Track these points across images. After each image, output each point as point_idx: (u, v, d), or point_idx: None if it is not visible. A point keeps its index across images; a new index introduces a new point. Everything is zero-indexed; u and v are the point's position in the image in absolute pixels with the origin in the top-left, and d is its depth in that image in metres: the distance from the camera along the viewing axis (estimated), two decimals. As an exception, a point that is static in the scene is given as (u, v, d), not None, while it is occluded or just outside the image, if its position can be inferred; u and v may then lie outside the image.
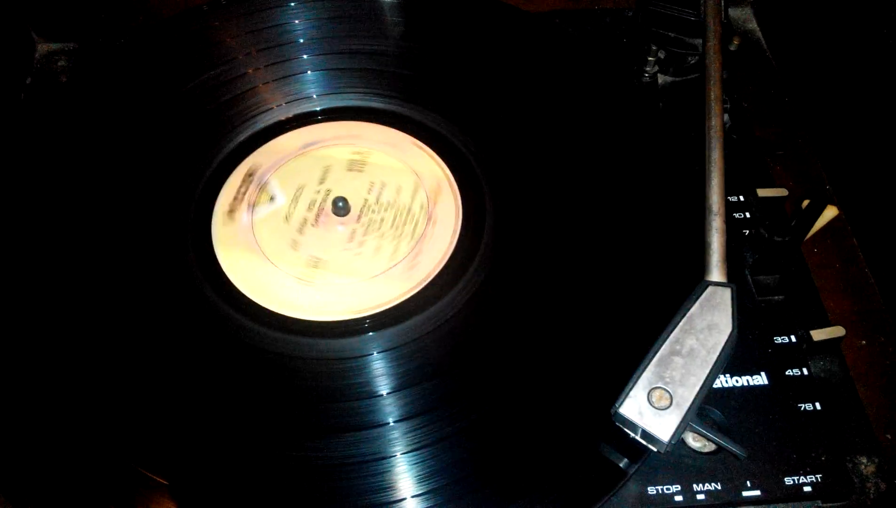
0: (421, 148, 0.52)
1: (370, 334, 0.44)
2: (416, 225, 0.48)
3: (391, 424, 0.40)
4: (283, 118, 0.54)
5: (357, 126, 0.54)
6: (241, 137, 0.53)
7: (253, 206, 0.50)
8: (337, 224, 0.49)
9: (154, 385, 0.42)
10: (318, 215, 0.50)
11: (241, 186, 0.51)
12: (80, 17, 0.65)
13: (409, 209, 0.49)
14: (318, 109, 0.55)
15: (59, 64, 0.64)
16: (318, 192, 0.51)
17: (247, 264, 0.47)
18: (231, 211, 0.50)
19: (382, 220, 0.49)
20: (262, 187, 0.51)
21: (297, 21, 0.58)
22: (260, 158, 0.52)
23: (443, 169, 0.51)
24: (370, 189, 0.51)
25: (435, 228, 0.48)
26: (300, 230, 0.49)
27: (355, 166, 0.52)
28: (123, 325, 0.45)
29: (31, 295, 0.46)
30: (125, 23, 0.66)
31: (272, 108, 0.54)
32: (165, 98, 0.55)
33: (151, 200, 0.50)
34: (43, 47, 0.65)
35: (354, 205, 0.50)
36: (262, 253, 0.48)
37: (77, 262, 0.47)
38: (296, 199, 0.50)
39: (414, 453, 0.39)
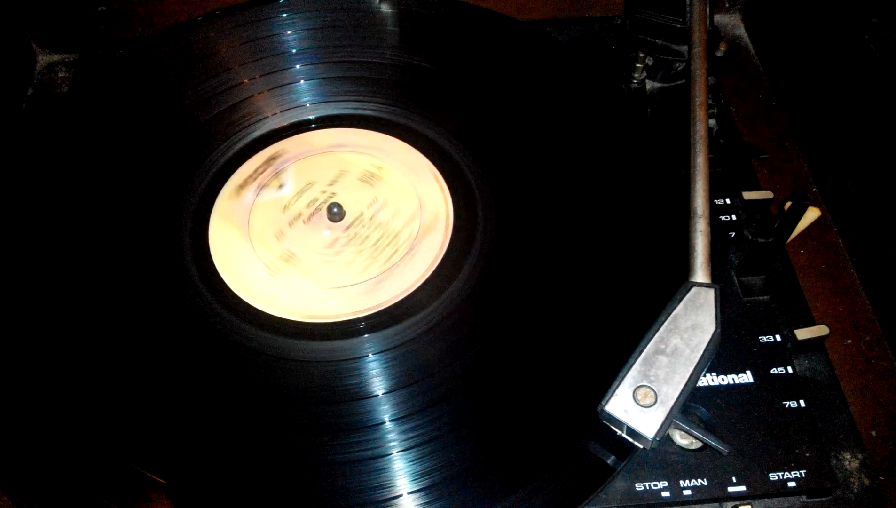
0: (435, 177, 0.52)
1: (365, 335, 0.45)
2: (395, 252, 0.49)
3: (386, 423, 0.41)
4: (281, 126, 0.55)
5: (383, 139, 0.54)
6: (242, 143, 0.54)
7: (262, 188, 0.51)
8: (324, 228, 0.50)
9: (152, 384, 0.43)
10: (312, 214, 0.51)
11: (259, 167, 0.52)
12: (80, 29, 0.66)
13: (397, 235, 0.49)
14: (344, 113, 0.56)
15: (60, 75, 0.65)
16: (324, 192, 0.52)
17: (230, 241, 0.49)
18: (241, 186, 0.51)
19: (367, 237, 0.50)
20: (278, 173, 0.52)
21: (289, 31, 0.59)
22: (287, 145, 0.54)
23: (446, 200, 0.51)
24: (371, 204, 0.51)
25: (411, 261, 0.48)
26: (290, 223, 0.50)
27: (368, 179, 0.53)
28: (121, 325, 0.46)
29: (32, 299, 0.47)
30: (124, 34, 0.67)
31: (272, 115, 0.56)
32: (165, 107, 0.56)
33: (151, 205, 0.51)
34: (44, 58, 0.66)
35: (349, 214, 0.51)
36: (248, 234, 0.49)
37: (76, 266, 0.48)
38: (301, 193, 0.51)
39: (406, 452, 0.40)
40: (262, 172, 0.52)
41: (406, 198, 0.52)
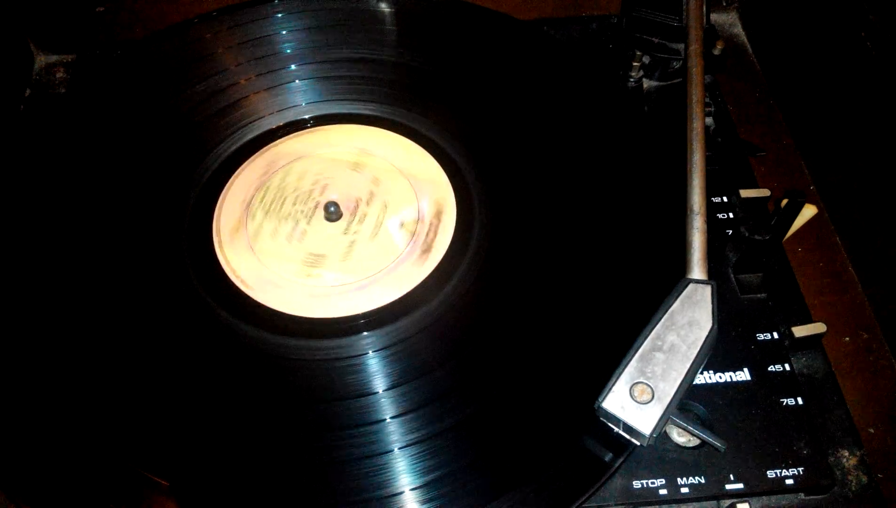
0: (426, 154, 0.53)
1: (364, 333, 0.45)
2: (417, 222, 0.50)
3: (387, 421, 0.41)
4: (276, 125, 0.55)
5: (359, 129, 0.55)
6: (240, 142, 0.54)
7: (257, 233, 0.51)
8: (329, 225, 0.50)
9: (152, 385, 0.43)
10: (310, 215, 0.51)
11: (240, 217, 0.51)
12: (78, 30, 0.66)
13: (401, 206, 0.50)
14: (307, 116, 0.56)
15: (58, 76, 0.65)
16: (312, 191, 0.52)
17: (244, 258, 0.49)
18: (234, 229, 0.50)
19: (372, 224, 0.50)
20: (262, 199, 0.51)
21: (286, 31, 0.59)
22: (275, 153, 0.54)
23: (443, 179, 0.52)
24: (366, 190, 0.52)
25: (438, 236, 0.49)
26: (300, 237, 0.50)
27: (355, 168, 0.53)
28: (122, 326, 0.46)
29: (33, 300, 0.47)
30: (122, 35, 0.67)
31: (268, 114, 0.56)
32: (162, 107, 0.56)
33: (149, 205, 0.51)
34: (42, 59, 0.66)
35: (346, 204, 0.51)
36: (258, 247, 0.49)
37: (76, 266, 0.48)
38: (294, 202, 0.51)
39: (407, 448, 0.40)
40: (247, 215, 0.51)
41: (403, 190, 0.52)
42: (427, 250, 0.49)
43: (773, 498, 0.41)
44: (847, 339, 0.49)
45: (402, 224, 0.50)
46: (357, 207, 0.51)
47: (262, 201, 0.51)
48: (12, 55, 0.64)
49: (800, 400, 0.42)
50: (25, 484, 0.40)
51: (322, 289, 0.47)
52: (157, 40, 0.61)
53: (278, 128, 0.55)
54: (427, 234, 0.50)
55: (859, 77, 0.53)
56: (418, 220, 0.50)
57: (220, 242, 0.49)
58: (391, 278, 0.47)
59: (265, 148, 0.54)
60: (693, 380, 0.40)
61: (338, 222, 0.50)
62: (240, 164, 0.53)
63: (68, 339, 0.45)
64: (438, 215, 0.50)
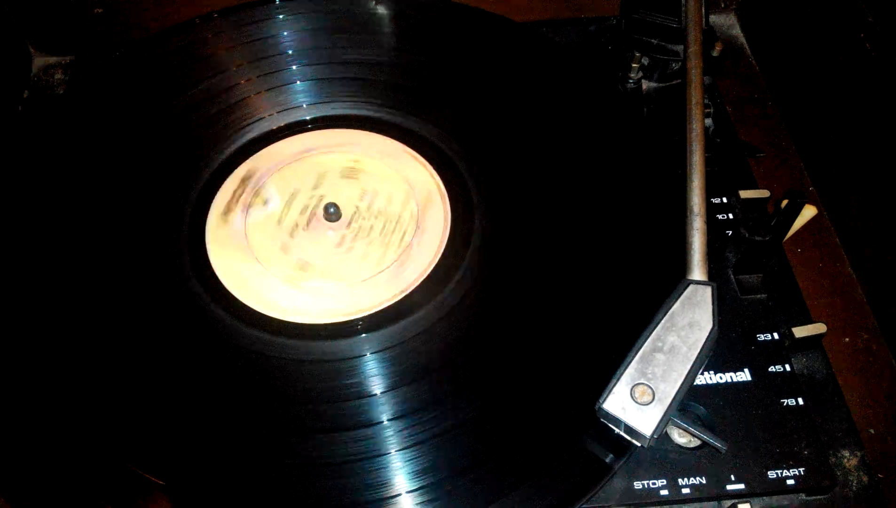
0: (415, 158, 0.53)
1: (363, 335, 0.45)
2: (404, 234, 0.49)
3: (384, 423, 0.41)
4: (277, 126, 0.55)
5: (354, 134, 0.55)
6: (238, 144, 0.54)
7: (248, 208, 0.51)
8: (327, 229, 0.50)
9: (149, 387, 0.43)
10: (309, 220, 0.51)
11: (237, 190, 0.52)
12: (76, 31, 0.66)
13: (399, 218, 0.50)
14: (309, 117, 0.56)
15: (57, 77, 0.65)
16: (312, 197, 0.52)
17: (237, 264, 0.48)
18: (226, 212, 0.51)
19: (372, 227, 0.50)
20: (258, 191, 0.52)
21: (286, 32, 0.59)
22: (257, 162, 0.53)
23: (434, 179, 0.52)
24: (362, 196, 0.51)
25: (423, 236, 0.49)
26: (291, 234, 0.50)
27: (350, 174, 0.53)
28: (119, 326, 0.46)
29: (30, 301, 0.47)
30: (121, 36, 0.67)
31: (268, 115, 0.56)
32: (161, 109, 0.56)
33: (147, 206, 0.51)
34: (40, 60, 0.66)
35: (346, 211, 0.51)
36: (253, 255, 0.49)
37: (74, 266, 0.48)
38: (289, 203, 0.51)
39: (405, 451, 0.40)
40: (242, 194, 0.51)
41: (393, 182, 0.52)
42: (425, 251, 0.49)
43: (774, 499, 0.41)
44: (847, 339, 0.50)
45: (397, 226, 0.50)
46: (354, 211, 0.51)
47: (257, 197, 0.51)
48: (10, 56, 0.64)
49: (800, 401, 0.42)
50: (21, 485, 0.40)
51: (318, 291, 0.47)
52: (155, 41, 0.61)
53: (281, 127, 0.55)
54: (425, 235, 0.49)
55: (858, 78, 0.53)
56: (417, 223, 0.50)
57: (216, 255, 0.49)
58: (413, 257, 0.48)
59: (236, 168, 0.53)
60: (694, 381, 0.40)
61: (338, 223, 0.50)
62: (237, 165, 0.53)
63: (64, 339, 0.45)
64: (435, 216, 0.50)
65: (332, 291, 0.47)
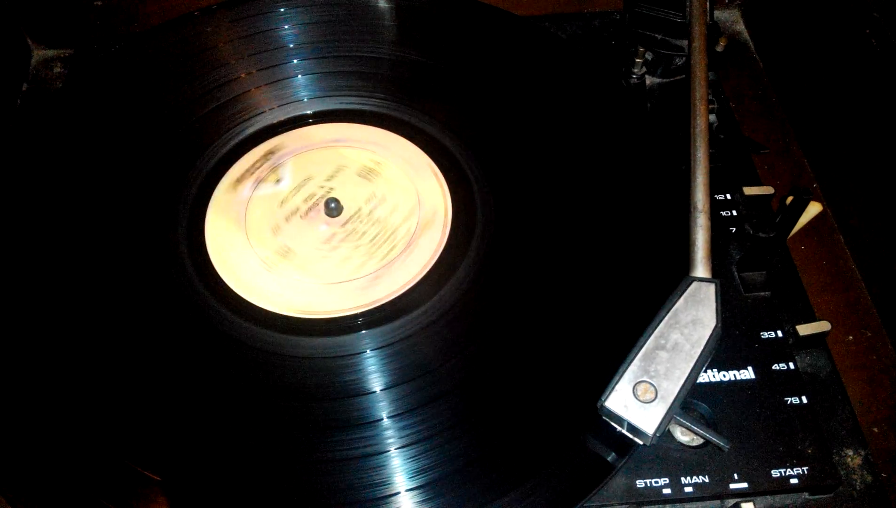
0: (434, 173, 0.52)
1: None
2: (392, 248, 0.48)
3: (384, 420, 0.41)
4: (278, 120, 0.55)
5: (381, 134, 0.54)
6: (254, 128, 0.54)
7: (259, 182, 0.51)
8: (322, 223, 0.50)
9: (146, 382, 0.43)
10: (310, 209, 0.50)
11: (257, 161, 0.52)
12: (75, 24, 0.66)
13: (395, 231, 0.49)
14: (342, 108, 0.55)
15: (56, 70, 0.65)
16: (322, 187, 0.51)
17: (227, 234, 0.48)
18: (238, 181, 0.51)
19: (365, 233, 0.49)
20: (276, 168, 0.51)
21: (287, 25, 0.59)
22: (285, 140, 0.53)
23: (445, 198, 0.50)
24: (369, 200, 0.51)
25: (409, 257, 0.48)
26: (287, 218, 0.50)
27: (366, 174, 0.52)
28: (116, 323, 0.45)
29: (28, 295, 0.47)
30: (120, 29, 0.66)
31: (268, 109, 0.55)
32: (161, 102, 0.56)
33: (147, 201, 0.51)
34: (39, 54, 0.66)
35: (347, 210, 0.50)
36: (244, 228, 0.49)
37: (71, 262, 0.48)
38: (298, 188, 0.51)
39: (406, 448, 0.40)
40: (260, 167, 0.51)
41: (404, 194, 0.51)
42: (428, 246, 0.48)
43: (778, 498, 0.41)
44: (851, 338, 0.49)
45: (389, 239, 0.49)
46: (355, 212, 0.50)
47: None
48: (9, 50, 0.64)
49: (804, 399, 0.42)
50: (18, 481, 0.40)
51: (287, 280, 0.47)
52: (155, 35, 0.60)
53: (279, 123, 0.54)
54: (427, 230, 0.49)
55: (863, 74, 0.53)
56: (409, 241, 0.49)
57: (213, 247, 0.49)
58: (389, 275, 0.47)
59: (265, 141, 0.53)
60: (697, 379, 0.40)
61: (335, 220, 0.50)
62: (239, 157, 0.53)
63: (61, 336, 0.45)
64: (438, 213, 0.50)
65: (301, 285, 0.47)
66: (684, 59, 0.56)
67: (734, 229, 0.49)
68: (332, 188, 0.51)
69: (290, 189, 0.51)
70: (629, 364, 0.39)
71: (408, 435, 0.40)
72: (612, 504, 0.39)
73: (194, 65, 0.57)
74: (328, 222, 0.50)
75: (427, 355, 0.43)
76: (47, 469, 0.40)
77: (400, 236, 0.49)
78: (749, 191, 0.50)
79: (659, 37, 0.56)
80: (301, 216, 0.50)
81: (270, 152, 0.52)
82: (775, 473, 0.40)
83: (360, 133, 0.54)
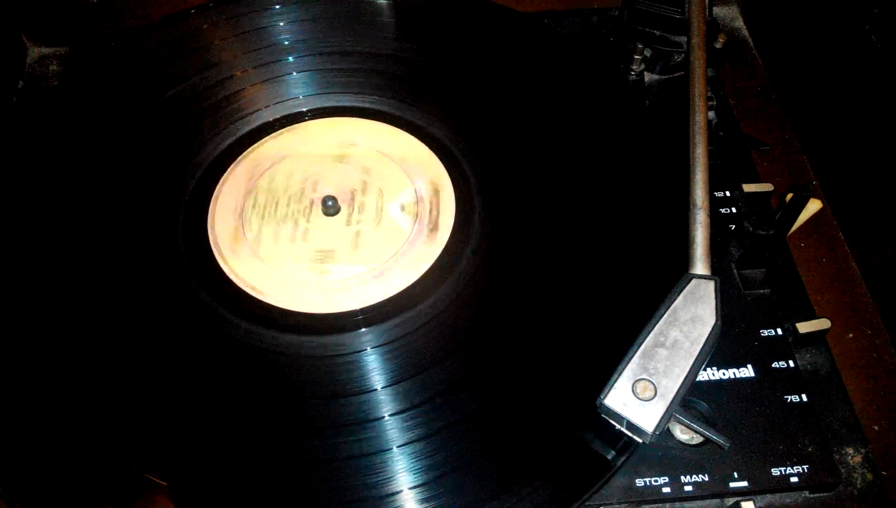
0: (434, 168, 0.52)
1: (363, 329, 0.44)
2: (392, 247, 0.48)
3: (386, 418, 0.40)
4: (274, 118, 0.55)
5: (386, 130, 0.54)
6: (239, 134, 0.54)
7: (257, 232, 0.50)
8: (331, 219, 0.50)
9: (151, 385, 0.43)
10: (308, 209, 0.50)
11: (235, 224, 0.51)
12: (71, 22, 0.66)
13: (395, 230, 0.49)
14: (345, 105, 0.55)
15: (51, 68, 0.65)
16: (320, 186, 0.51)
17: (224, 231, 0.48)
18: (234, 240, 0.50)
19: (362, 232, 0.49)
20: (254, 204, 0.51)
21: (282, 23, 0.59)
22: (287, 141, 0.53)
23: (445, 193, 0.51)
24: (364, 193, 0.51)
25: (409, 255, 0.48)
26: (286, 218, 0.49)
27: (366, 172, 0.52)
28: (119, 327, 0.45)
29: (26, 296, 0.46)
30: (116, 27, 0.66)
31: (265, 107, 0.55)
32: (157, 100, 0.55)
33: (142, 200, 0.50)
34: (35, 51, 0.66)
35: (343, 209, 0.50)
36: (243, 227, 0.49)
37: (71, 261, 0.48)
38: (299, 188, 0.51)
39: (407, 446, 0.40)
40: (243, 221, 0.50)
41: (405, 190, 0.51)
42: (434, 228, 0.48)
43: (778, 496, 0.40)
44: (851, 335, 0.49)
45: (402, 207, 0.49)
46: (353, 197, 0.50)
47: (254, 206, 0.50)
48: (5, 47, 0.64)
49: (804, 397, 0.42)
50: (24, 487, 0.40)
51: (338, 283, 0.46)
52: (150, 32, 0.60)
53: (268, 124, 0.54)
54: (430, 212, 0.49)
55: (863, 71, 0.53)
56: (417, 201, 0.49)
57: (221, 254, 0.48)
58: (406, 261, 0.47)
59: (244, 153, 0.53)
60: (696, 377, 0.39)
61: (338, 216, 0.50)
62: (234, 159, 0.52)
63: (65, 339, 0.45)
64: (438, 206, 0.50)
65: (358, 276, 0.47)
66: (683, 55, 0.55)
67: (733, 227, 0.49)
68: (317, 180, 0.51)
69: (280, 209, 0.50)
70: (628, 362, 0.39)
71: (408, 434, 0.40)
72: (612, 503, 0.39)
73: (190, 62, 0.57)
74: (327, 221, 0.50)
75: (427, 353, 0.43)
76: (53, 475, 0.40)
77: (400, 234, 0.49)
78: (748, 188, 0.50)
79: (658, 33, 0.56)
80: (301, 215, 0.50)
81: (241, 210, 0.50)
82: (775, 471, 0.40)
83: (367, 130, 0.54)
